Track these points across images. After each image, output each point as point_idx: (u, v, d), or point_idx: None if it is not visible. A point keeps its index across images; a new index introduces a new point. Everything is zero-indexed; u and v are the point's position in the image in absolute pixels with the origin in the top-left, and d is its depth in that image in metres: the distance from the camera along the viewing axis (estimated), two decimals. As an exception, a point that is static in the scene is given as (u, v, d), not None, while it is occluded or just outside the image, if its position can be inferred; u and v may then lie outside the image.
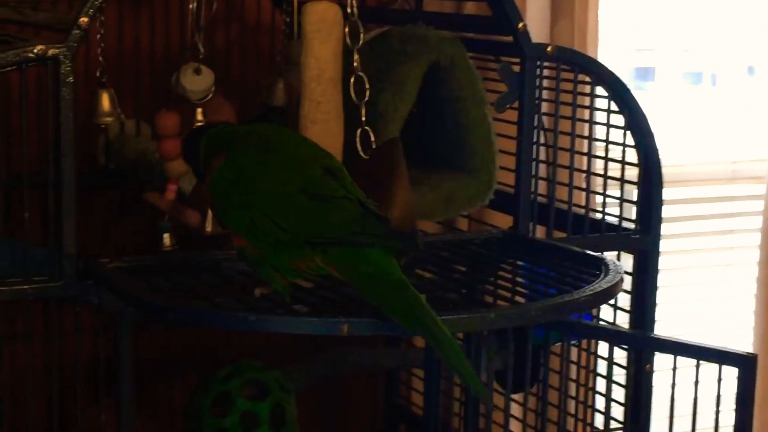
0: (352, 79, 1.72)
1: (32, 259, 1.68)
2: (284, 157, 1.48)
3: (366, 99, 1.73)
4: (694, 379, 1.76)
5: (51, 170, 1.64)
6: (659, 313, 2.08)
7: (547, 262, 1.77)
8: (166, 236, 1.94)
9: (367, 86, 1.72)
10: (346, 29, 1.72)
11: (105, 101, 2.15)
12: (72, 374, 1.74)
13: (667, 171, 2.05)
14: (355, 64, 1.72)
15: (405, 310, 1.37)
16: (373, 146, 1.75)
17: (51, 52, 1.63)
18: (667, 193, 2.05)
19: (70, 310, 1.72)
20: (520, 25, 1.90)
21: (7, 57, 1.62)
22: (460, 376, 1.36)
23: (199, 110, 1.90)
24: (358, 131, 1.74)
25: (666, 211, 2.07)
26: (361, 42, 1.73)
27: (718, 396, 1.72)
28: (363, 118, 1.74)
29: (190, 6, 1.92)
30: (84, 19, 1.64)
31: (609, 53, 2.48)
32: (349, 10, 1.73)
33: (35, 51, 1.62)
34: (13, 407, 1.96)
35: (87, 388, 1.76)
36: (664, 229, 2.07)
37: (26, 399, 1.74)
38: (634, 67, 2.72)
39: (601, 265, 1.69)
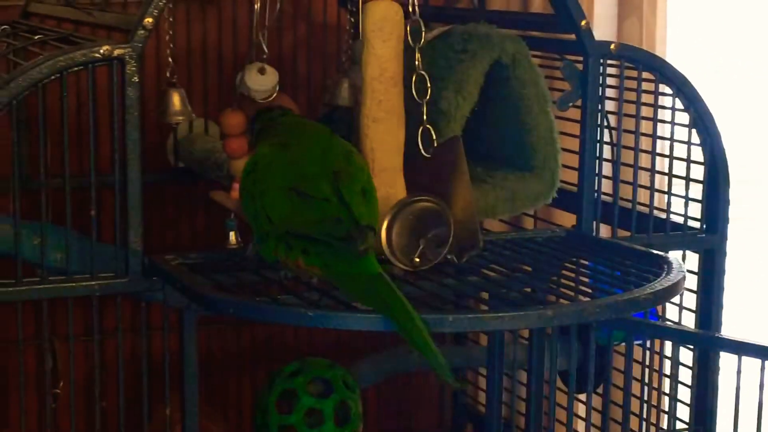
0: (414, 78, 1.73)
1: (100, 256, 1.71)
2: (292, 155, 1.56)
3: (428, 98, 1.74)
4: (759, 380, 1.73)
5: (117, 169, 1.67)
6: (726, 315, 2.06)
7: (610, 260, 1.76)
8: (232, 234, 1.96)
9: (429, 85, 1.73)
10: (408, 28, 1.73)
11: (176, 101, 2.18)
12: (140, 370, 1.77)
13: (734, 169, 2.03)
14: (416, 62, 1.73)
15: (377, 302, 1.41)
16: (435, 145, 1.76)
17: (117, 52, 1.66)
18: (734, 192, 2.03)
19: (139, 307, 1.76)
20: (583, 22, 1.89)
21: (75, 57, 1.65)
22: (429, 362, 1.40)
23: (262, 110, 1.92)
24: (420, 130, 1.75)
25: (735, 211, 2.05)
26: (422, 41, 1.74)
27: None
28: (425, 117, 1.75)
29: (256, 6, 1.94)
30: (148, 20, 1.67)
31: (681, 52, 2.46)
32: (411, 9, 1.74)
33: (101, 51, 1.65)
34: (85, 402, 2.01)
35: (155, 384, 1.79)
36: (734, 228, 2.05)
37: (96, 394, 1.77)
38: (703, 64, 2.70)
39: (664, 264, 1.68)
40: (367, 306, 1.44)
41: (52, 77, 1.64)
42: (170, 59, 2.16)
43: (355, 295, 1.46)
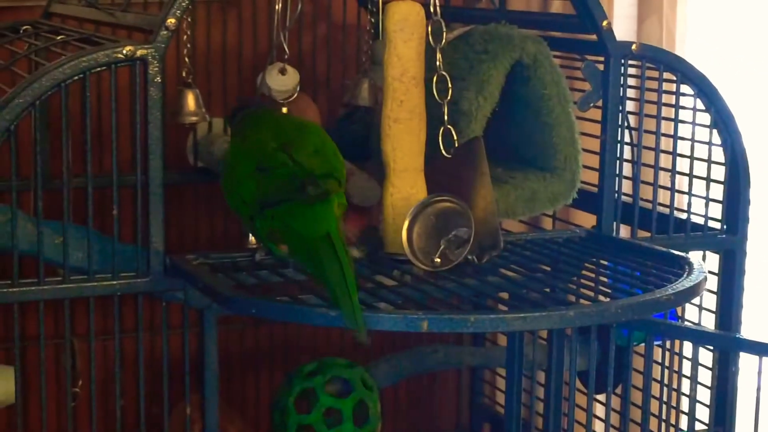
0: (435, 78, 1.73)
1: (121, 255, 1.72)
2: (250, 143, 1.65)
3: (449, 98, 1.74)
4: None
5: (139, 169, 1.68)
6: (746, 315, 2.05)
7: (630, 261, 1.76)
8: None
9: (450, 85, 1.73)
10: (429, 28, 1.73)
11: (190, 101, 2.19)
12: (160, 369, 1.78)
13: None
14: (437, 63, 1.73)
15: (313, 260, 1.49)
16: (456, 145, 1.76)
17: (139, 52, 1.66)
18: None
19: (159, 307, 1.76)
20: (604, 23, 1.89)
21: (98, 58, 1.66)
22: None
23: (285, 109, 1.93)
24: (441, 130, 1.75)
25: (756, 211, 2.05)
26: (443, 41, 1.74)
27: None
28: (446, 117, 1.75)
29: (276, 6, 1.95)
30: (171, 21, 1.68)
31: (701, 53, 2.45)
32: (432, 10, 1.74)
33: (124, 52, 1.66)
34: (104, 402, 2.02)
35: (174, 383, 1.80)
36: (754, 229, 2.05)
37: (116, 393, 1.78)
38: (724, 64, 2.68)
39: (685, 265, 1.67)
40: (310, 271, 1.52)
41: (75, 77, 1.65)
42: (186, 59, 2.17)
43: (300, 258, 1.55)
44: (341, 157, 1.66)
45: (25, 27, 2.14)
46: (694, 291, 1.57)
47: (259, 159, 1.61)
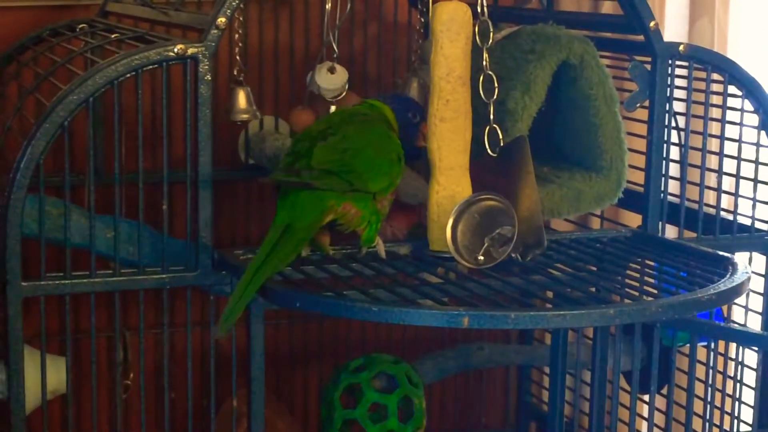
0: (482, 78, 1.75)
1: (171, 250, 1.75)
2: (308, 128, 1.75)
3: (495, 97, 1.76)
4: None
5: (189, 165, 1.71)
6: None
7: (675, 261, 1.77)
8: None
9: (496, 85, 1.75)
10: (476, 28, 1.75)
11: (241, 99, 2.22)
12: (208, 362, 1.81)
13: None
14: (484, 63, 1.75)
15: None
16: (501, 144, 1.77)
17: (190, 51, 1.70)
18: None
19: (208, 301, 1.80)
20: (652, 24, 1.89)
21: (150, 56, 1.69)
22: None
23: (333, 108, 1.95)
24: (487, 129, 1.76)
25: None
26: (490, 41, 1.75)
27: None
28: (492, 117, 1.76)
29: (327, 6, 1.97)
30: (221, 20, 1.71)
31: (754, 54, 2.44)
32: (479, 9, 1.76)
33: (176, 50, 1.69)
34: (154, 394, 2.05)
35: (222, 377, 1.83)
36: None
37: (165, 385, 1.81)
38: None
39: (729, 265, 1.68)
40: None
41: (128, 75, 1.68)
42: (237, 57, 2.20)
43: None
44: (391, 168, 1.69)
45: (81, 25, 2.18)
46: (736, 291, 1.57)
47: (292, 143, 1.71)
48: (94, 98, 1.67)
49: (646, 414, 2.01)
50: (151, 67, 1.70)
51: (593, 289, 1.67)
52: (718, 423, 2.03)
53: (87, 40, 2.05)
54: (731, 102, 1.99)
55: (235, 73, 2.18)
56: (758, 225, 2.01)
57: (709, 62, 1.96)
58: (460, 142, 1.73)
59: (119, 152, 1.71)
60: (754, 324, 2.04)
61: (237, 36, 2.20)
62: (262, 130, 2.38)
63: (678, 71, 1.96)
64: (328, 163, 1.63)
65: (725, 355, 2.04)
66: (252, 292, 1.54)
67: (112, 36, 1.94)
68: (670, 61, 1.92)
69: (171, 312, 1.77)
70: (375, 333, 2.59)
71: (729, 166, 2.01)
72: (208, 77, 1.70)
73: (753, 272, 1.70)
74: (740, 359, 1.89)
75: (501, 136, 1.76)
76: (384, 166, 1.68)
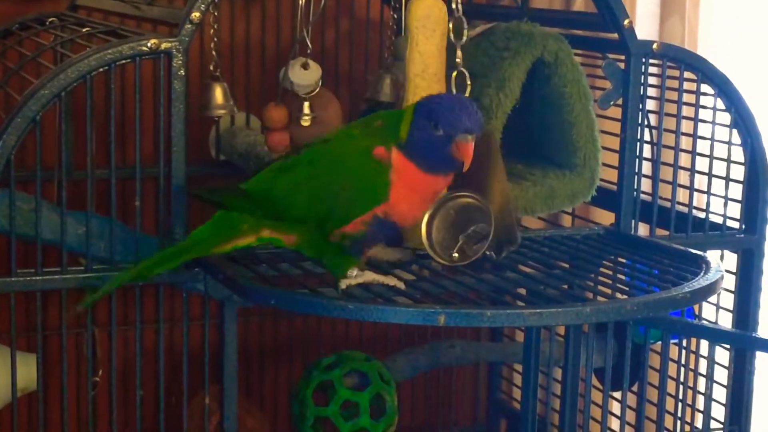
0: (455, 75, 1.74)
1: (143, 246, 1.74)
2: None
3: (468, 94, 1.75)
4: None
5: (162, 161, 1.70)
6: (764, 315, 2.05)
7: (648, 259, 1.77)
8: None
9: (469, 82, 1.74)
10: (451, 25, 1.74)
11: (218, 94, 2.21)
12: (180, 360, 1.79)
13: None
14: (458, 59, 1.74)
15: None
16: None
17: (164, 45, 1.68)
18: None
19: (180, 298, 1.78)
20: (626, 21, 1.90)
21: (123, 50, 1.68)
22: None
23: (306, 104, 1.95)
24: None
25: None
26: (465, 38, 1.75)
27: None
28: (466, 114, 1.76)
29: (300, 2, 1.96)
30: (195, 14, 1.69)
31: (724, 52, 2.45)
32: (454, 6, 1.75)
33: (149, 45, 1.68)
34: (124, 391, 2.03)
35: (193, 374, 1.81)
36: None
37: (136, 383, 1.80)
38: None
39: (702, 263, 1.68)
40: None
41: (100, 69, 1.67)
42: (214, 53, 2.18)
43: None
44: (331, 201, 1.53)
45: (51, 19, 2.16)
46: (710, 289, 1.58)
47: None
48: (65, 93, 1.66)
49: (618, 411, 2.02)
50: (124, 61, 1.68)
51: (567, 287, 1.68)
52: (689, 420, 2.04)
53: (57, 33, 2.03)
54: (704, 100, 2.00)
55: (212, 68, 2.17)
56: (730, 223, 2.02)
57: (683, 61, 1.96)
58: (434, 139, 1.72)
59: (91, 147, 1.69)
60: (725, 322, 2.05)
61: (212, 31, 2.19)
62: (234, 126, 2.36)
63: (651, 69, 1.97)
64: (260, 188, 1.56)
65: (697, 353, 2.05)
66: (130, 276, 1.58)
67: (83, 30, 1.92)
68: (643, 60, 1.92)
69: (141, 309, 1.76)
70: (346, 330, 2.58)
71: (701, 164, 2.02)
72: (182, 72, 1.69)
73: (725, 270, 1.70)
74: (712, 357, 1.89)
75: (476, 133, 1.76)
76: (320, 199, 1.53)
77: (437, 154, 1.49)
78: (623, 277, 1.73)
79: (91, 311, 1.75)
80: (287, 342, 2.56)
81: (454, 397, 2.70)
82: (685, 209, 2.01)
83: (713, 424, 2.00)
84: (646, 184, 2.02)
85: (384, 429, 2.09)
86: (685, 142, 2.04)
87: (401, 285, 1.55)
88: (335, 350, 2.18)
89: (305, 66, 1.95)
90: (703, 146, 2.01)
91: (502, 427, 2.66)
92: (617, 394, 2.11)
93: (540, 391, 2.08)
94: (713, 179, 2.02)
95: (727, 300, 2.04)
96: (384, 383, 2.10)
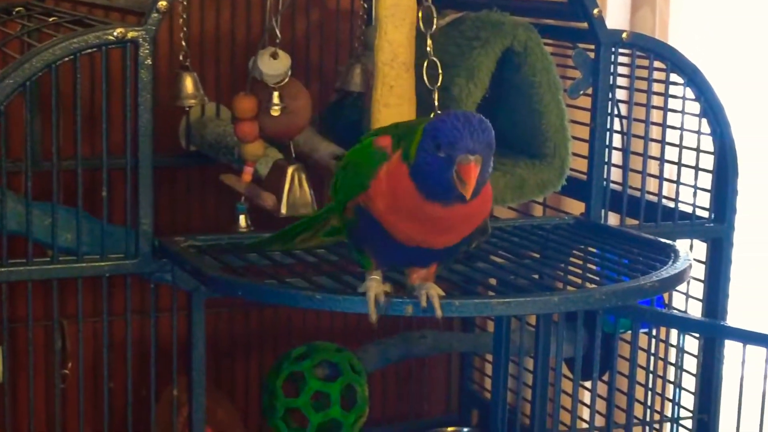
0: (426, 64, 1.74)
1: (110, 237, 1.73)
2: None
3: (439, 84, 1.75)
4: (764, 369, 1.74)
5: (129, 151, 1.69)
6: (732, 305, 2.06)
7: (618, 248, 1.77)
8: (242, 217, 1.97)
9: (440, 71, 1.74)
10: (420, 14, 1.74)
11: (188, 84, 2.19)
12: (149, 351, 1.78)
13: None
14: (428, 49, 1.74)
15: None
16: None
17: (130, 34, 1.67)
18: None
19: (148, 289, 1.77)
20: (596, 11, 1.90)
21: (89, 39, 1.66)
22: None
23: (276, 94, 1.93)
24: (431, 116, 1.75)
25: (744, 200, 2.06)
26: (434, 27, 1.74)
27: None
28: (436, 103, 1.76)
29: (270, -9, 1.95)
30: (162, 3, 1.68)
31: (694, 43, 2.45)
32: (423, -5, 1.75)
33: (115, 34, 1.67)
34: (92, 383, 2.02)
35: (162, 366, 1.80)
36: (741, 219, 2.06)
37: (105, 375, 1.78)
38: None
39: (671, 252, 1.68)
40: None
41: (66, 59, 1.65)
42: (183, 43, 2.17)
43: None
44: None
45: (17, 8, 2.14)
46: (678, 278, 1.58)
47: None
48: (31, 82, 1.64)
49: (588, 401, 2.02)
50: (90, 50, 1.67)
51: (537, 277, 1.68)
52: (659, 409, 2.05)
53: (23, 23, 2.01)
54: (673, 90, 2.00)
55: (181, 58, 2.15)
56: (699, 212, 2.02)
57: (652, 50, 1.96)
58: (404, 128, 1.72)
59: (57, 138, 1.68)
60: (695, 311, 2.06)
61: (181, 21, 2.18)
62: (204, 116, 2.35)
63: (621, 59, 1.97)
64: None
65: (666, 342, 2.06)
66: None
67: (50, 19, 1.90)
68: (613, 49, 1.92)
69: (110, 300, 1.75)
70: (317, 321, 2.58)
71: (671, 153, 2.02)
72: (149, 62, 1.68)
73: (694, 259, 1.71)
74: (681, 346, 1.90)
75: (445, 123, 1.75)
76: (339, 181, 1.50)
77: (439, 180, 1.32)
78: (593, 267, 1.73)
79: (59, 303, 1.73)
80: (258, 333, 2.56)
81: (426, 388, 2.70)
82: (655, 198, 2.01)
83: (682, 413, 2.01)
84: (616, 174, 2.02)
85: (355, 420, 2.09)
86: (655, 132, 2.04)
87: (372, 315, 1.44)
88: (306, 341, 2.18)
89: (274, 56, 1.93)
90: (672, 136, 2.01)
91: (474, 418, 2.66)
92: (587, 384, 2.11)
93: (511, 380, 2.08)
94: (683, 169, 2.02)
95: (697, 289, 2.05)
96: (355, 374, 2.10)
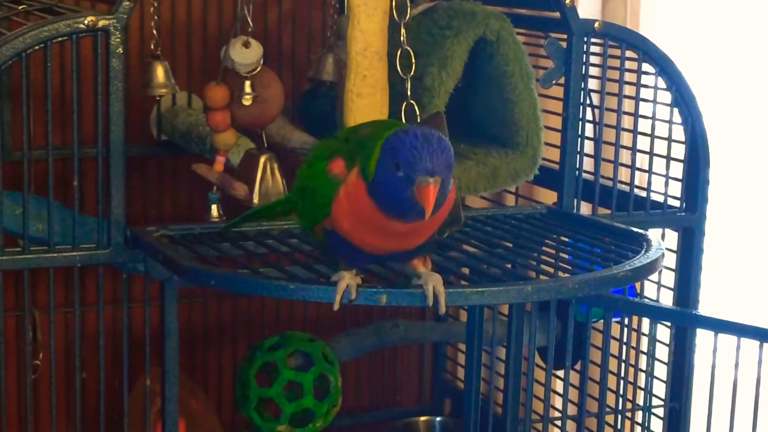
0: (399, 53, 1.73)
1: (82, 227, 1.72)
2: None
3: (412, 73, 1.75)
4: (735, 358, 1.75)
5: (100, 140, 1.68)
6: (704, 295, 2.07)
7: (590, 237, 1.78)
8: (214, 207, 1.97)
9: (413, 61, 1.74)
10: (393, 3, 1.73)
11: (159, 73, 2.19)
12: (122, 342, 1.78)
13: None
14: (401, 38, 1.73)
15: None
16: (418, 120, 1.76)
17: (101, 23, 1.66)
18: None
19: (121, 279, 1.76)
20: (568, 0, 1.90)
21: (59, 27, 1.65)
22: None
23: (248, 83, 1.93)
24: (404, 105, 1.75)
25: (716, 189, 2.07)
26: (407, 16, 1.74)
27: (759, 374, 1.72)
28: (409, 92, 1.75)
29: (242, -21, 1.94)
30: (134, -9, 1.67)
31: (666, 33, 2.45)
32: (396, -16, 1.75)
33: (86, 22, 1.66)
34: (64, 375, 2.01)
35: (135, 356, 1.80)
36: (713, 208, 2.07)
37: (77, 366, 1.78)
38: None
39: (643, 241, 1.69)
40: None
41: (36, 47, 1.64)
42: (154, 31, 2.16)
43: None
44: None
45: (-14, -3, 2.12)
46: (651, 267, 1.59)
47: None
48: (0, 71, 1.63)
49: (560, 390, 2.03)
50: (60, 39, 1.66)
51: (510, 266, 1.68)
52: (631, 398, 2.05)
53: (-7, 11, 1.99)
54: (645, 79, 2.01)
55: (152, 47, 2.14)
56: (671, 202, 2.03)
57: (624, 40, 1.97)
58: (377, 117, 1.73)
59: (27, 127, 1.67)
60: (667, 300, 2.07)
61: (152, 9, 2.16)
62: (175, 105, 2.34)
63: (593, 49, 1.97)
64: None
65: (638, 331, 2.06)
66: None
67: (20, 7, 1.89)
68: (585, 39, 1.93)
69: (82, 291, 1.74)
70: (290, 311, 2.57)
71: (643, 143, 2.02)
72: (120, 50, 1.67)
73: (666, 249, 1.71)
74: (653, 335, 1.91)
75: (418, 112, 1.75)
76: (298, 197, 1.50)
77: (399, 199, 1.31)
78: (565, 256, 1.74)
79: (30, 293, 1.72)
80: (231, 324, 2.55)
81: (399, 378, 2.70)
82: (627, 188, 2.02)
83: (654, 401, 2.02)
84: (588, 163, 2.03)
85: (328, 410, 2.09)
86: (627, 122, 2.05)
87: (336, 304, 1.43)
88: (279, 331, 2.17)
89: (246, 45, 1.93)
90: (644, 125, 2.02)
91: (447, 407, 2.67)
92: (560, 373, 2.12)
93: (483, 370, 2.09)
94: (654, 158, 2.02)
95: (668, 278, 2.06)
96: (328, 364, 2.10)
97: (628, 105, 2.02)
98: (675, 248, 2.05)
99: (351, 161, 1.37)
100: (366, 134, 1.40)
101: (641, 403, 2.02)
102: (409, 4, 1.74)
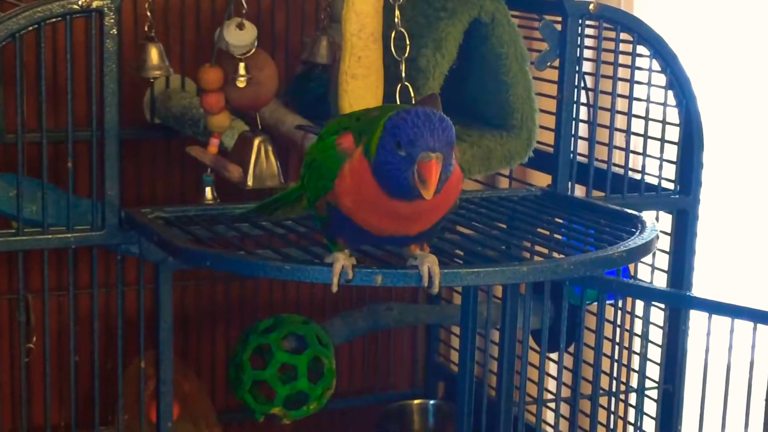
0: (393, 35, 1.73)
1: (76, 209, 1.71)
2: None
3: (407, 55, 1.74)
4: (729, 340, 1.75)
5: (95, 121, 1.67)
6: (697, 277, 2.07)
7: (584, 219, 1.78)
8: (208, 189, 1.97)
9: (408, 42, 1.73)
10: (388, -15, 1.73)
11: (153, 55, 2.18)
12: (115, 324, 1.77)
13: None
14: (396, 20, 1.73)
15: None
16: (413, 101, 1.76)
17: (95, 3, 1.65)
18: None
19: (115, 262, 1.76)
20: (562, -18, 1.90)
21: (53, 8, 1.65)
22: None
23: (242, 65, 1.92)
24: (398, 87, 1.75)
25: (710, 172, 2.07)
26: (402, -2, 1.74)
27: (752, 355, 1.72)
28: (403, 74, 1.75)
29: (235, -39, 1.94)
30: (127, -28, 1.67)
31: (662, 16, 2.45)
32: (391, -34, 1.74)
33: (80, 3, 1.65)
34: (58, 357, 2.01)
35: (129, 339, 1.79)
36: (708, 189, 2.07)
37: (71, 348, 1.77)
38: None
39: (637, 223, 1.69)
40: None
41: (30, 28, 1.64)
42: (148, 13, 2.15)
43: None
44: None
45: (-21, -22, 2.11)
46: (645, 249, 1.58)
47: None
48: (-6, 52, 1.62)
49: (554, 372, 2.03)
50: (54, 20, 1.65)
51: (504, 248, 1.68)
52: (624, 380, 2.06)
53: (-15, -7, 1.99)
54: (639, 62, 2.01)
55: (146, 28, 2.14)
56: (665, 184, 2.04)
57: (619, 22, 1.97)
58: (372, 99, 1.72)
59: (21, 108, 1.66)
60: (660, 282, 2.07)
61: (146, -10, 2.16)
62: (169, 88, 2.33)
63: (588, 31, 1.97)
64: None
65: (632, 314, 2.07)
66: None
67: (12, -11, 1.88)
68: (580, 21, 1.93)
69: (75, 273, 1.73)
70: (284, 293, 2.57)
71: (637, 125, 2.02)
72: (114, 31, 1.66)
73: (660, 231, 1.71)
74: (647, 317, 1.91)
75: (413, 94, 1.75)
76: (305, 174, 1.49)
77: (400, 179, 1.30)
78: (560, 238, 1.74)
79: (24, 276, 1.72)
80: (225, 306, 2.55)
81: (392, 360, 2.70)
82: (621, 170, 2.02)
83: (648, 383, 2.02)
84: (582, 146, 2.03)
85: (322, 392, 2.09)
86: (621, 104, 2.05)
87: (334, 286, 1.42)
88: (273, 314, 2.17)
89: (240, 26, 1.92)
90: (638, 108, 2.02)
91: (440, 390, 2.67)
92: (554, 356, 2.12)
93: (477, 353, 2.09)
94: (649, 141, 2.02)
95: (662, 260, 2.06)
96: (322, 346, 2.10)
97: (622, 87, 2.02)
98: (669, 231, 2.05)
99: (359, 136, 1.37)
100: (375, 115, 1.39)
101: (635, 385, 2.02)
102: (403, -14, 1.74)
